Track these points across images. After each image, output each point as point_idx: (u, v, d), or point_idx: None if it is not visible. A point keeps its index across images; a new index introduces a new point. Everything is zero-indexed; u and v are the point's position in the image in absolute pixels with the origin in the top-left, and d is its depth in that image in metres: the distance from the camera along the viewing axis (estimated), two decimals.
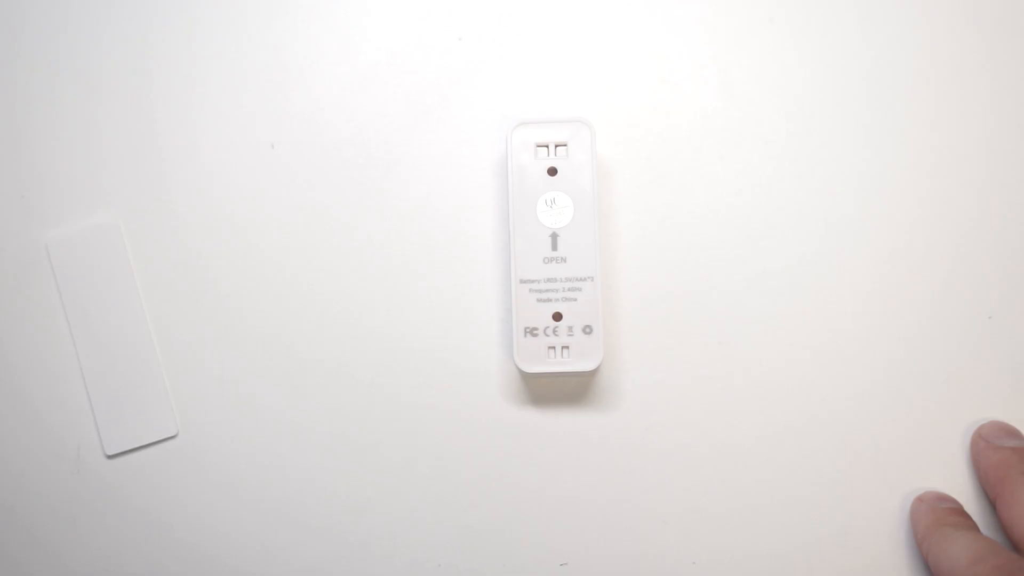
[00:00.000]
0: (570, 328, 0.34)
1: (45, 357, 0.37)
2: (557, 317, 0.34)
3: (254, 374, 0.37)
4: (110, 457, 0.37)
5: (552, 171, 0.34)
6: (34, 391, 0.37)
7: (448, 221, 0.37)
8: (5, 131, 0.38)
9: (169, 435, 0.37)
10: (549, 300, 0.34)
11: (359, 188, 0.37)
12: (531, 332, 0.34)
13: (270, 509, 0.37)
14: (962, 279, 0.36)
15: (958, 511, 0.34)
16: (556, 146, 0.35)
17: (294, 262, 0.37)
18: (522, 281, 0.34)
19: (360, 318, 0.37)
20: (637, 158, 0.37)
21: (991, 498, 0.34)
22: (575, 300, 0.34)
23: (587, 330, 0.34)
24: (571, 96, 0.37)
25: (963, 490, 0.35)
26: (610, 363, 0.36)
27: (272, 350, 0.37)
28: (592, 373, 0.36)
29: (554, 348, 0.34)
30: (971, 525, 0.34)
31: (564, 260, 0.34)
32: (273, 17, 0.38)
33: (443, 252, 0.37)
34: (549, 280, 0.34)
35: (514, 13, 0.37)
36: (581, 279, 0.34)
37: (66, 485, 0.37)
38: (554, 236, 0.34)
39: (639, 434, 0.36)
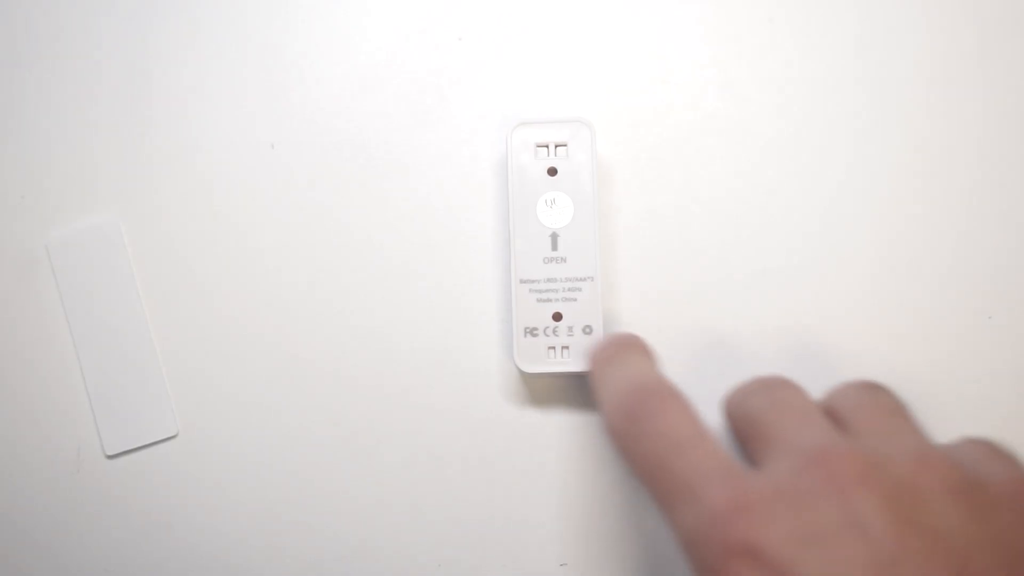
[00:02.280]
0: (570, 328, 0.34)
1: (45, 357, 0.37)
2: (557, 317, 0.34)
3: (254, 374, 0.37)
4: (110, 457, 0.37)
5: (552, 171, 0.34)
6: (34, 391, 0.37)
7: (448, 221, 0.37)
8: (5, 131, 0.38)
9: (169, 435, 0.37)
10: (549, 300, 0.34)
11: (359, 188, 0.37)
12: (531, 332, 0.34)
13: (270, 509, 0.37)
14: (962, 279, 0.36)
15: (622, 342, 0.32)
16: (556, 146, 0.35)
17: (294, 262, 0.37)
18: (522, 281, 0.34)
19: (360, 318, 0.37)
20: (637, 158, 0.37)
21: None
22: (575, 300, 0.34)
23: (587, 330, 0.34)
24: (571, 96, 0.37)
25: None
26: None
27: (272, 350, 0.37)
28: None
29: (554, 348, 0.34)
30: (633, 350, 0.31)
31: (564, 260, 0.34)
32: (273, 17, 0.38)
33: (443, 252, 0.37)
34: (549, 280, 0.34)
35: (514, 13, 0.37)
36: (581, 279, 0.34)
37: (66, 485, 0.37)
38: (554, 236, 0.34)
39: None
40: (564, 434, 0.36)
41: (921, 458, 0.25)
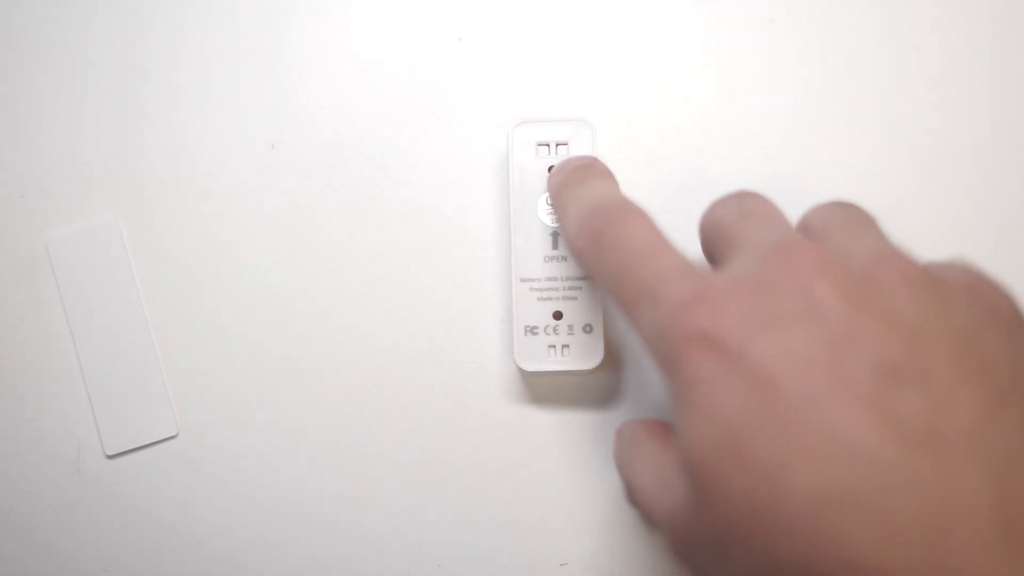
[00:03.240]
0: (570, 327, 0.34)
1: (45, 357, 0.37)
2: (557, 316, 0.34)
3: (254, 374, 0.37)
4: (110, 457, 0.37)
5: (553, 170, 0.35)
6: (34, 391, 0.37)
7: (448, 220, 0.37)
8: (5, 131, 0.38)
9: (169, 435, 0.37)
10: (549, 299, 0.34)
11: (359, 188, 0.37)
12: (531, 331, 0.34)
13: (270, 509, 0.37)
14: None
15: (582, 165, 0.32)
16: (557, 145, 0.35)
17: (294, 262, 0.37)
18: (522, 280, 0.34)
19: (360, 317, 0.37)
20: (637, 158, 0.37)
21: None
22: (575, 299, 0.34)
23: (587, 329, 0.34)
24: (571, 96, 0.37)
25: None
26: (610, 362, 0.36)
27: (272, 350, 0.37)
28: (592, 372, 0.36)
29: (554, 347, 0.34)
30: (593, 175, 0.31)
31: (565, 259, 0.34)
32: (273, 16, 0.38)
33: (443, 251, 0.37)
34: (550, 279, 0.34)
35: (514, 13, 0.38)
36: (581, 278, 0.34)
37: (66, 485, 0.37)
38: (555, 235, 0.34)
39: None
40: (564, 433, 0.36)
41: (881, 254, 0.25)
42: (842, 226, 0.28)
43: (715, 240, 0.29)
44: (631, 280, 0.26)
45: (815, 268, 0.24)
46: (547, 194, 0.34)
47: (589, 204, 0.29)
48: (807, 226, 0.29)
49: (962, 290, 0.25)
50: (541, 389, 0.36)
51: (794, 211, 0.36)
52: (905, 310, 0.23)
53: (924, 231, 0.36)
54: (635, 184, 0.36)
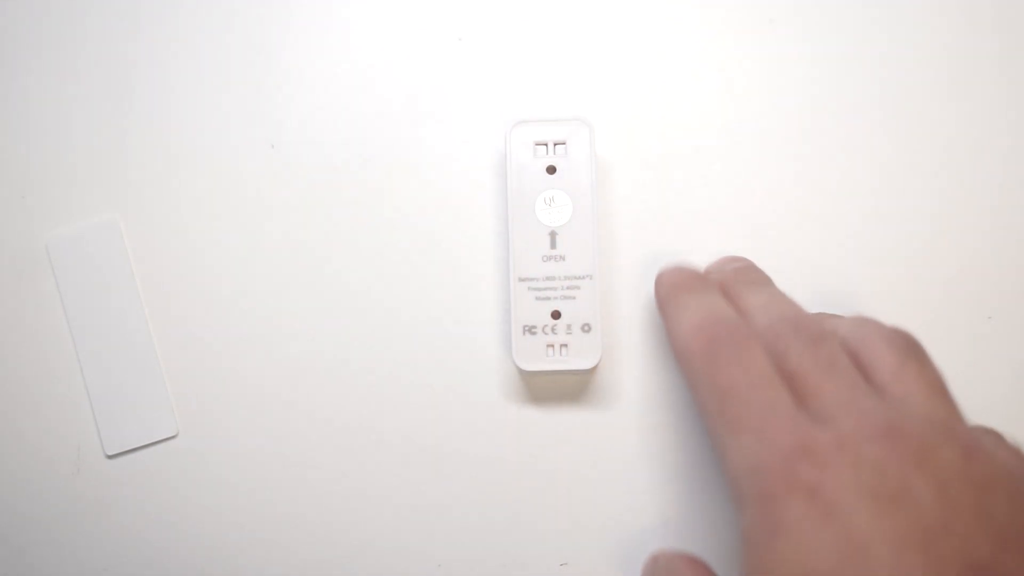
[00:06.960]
0: (568, 326, 0.34)
1: (45, 357, 0.37)
2: (556, 315, 0.34)
3: (254, 374, 0.37)
4: (110, 457, 0.37)
5: (551, 169, 0.34)
6: (34, 391, 0.37)
7: (447, 220, 0.37)
8: (5, 131, 0.38)
9: (169, 435, 0.37)
10: (548, 298, 0.34)
11: (359, 188, 0.37)
12: (530, 330, 0.34)
13: (270, 509, 0.37)
14: (962, 279, 0.36)
15: (698, 276, 0.33)
16: (555, 144, 0.35)
17: (293, 262, 0.37)
18: (521, 279, 0.34)
19: (359, 317, 0.37)
20: (636, 157, 0.37)
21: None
22: (574, 298, 0.34)
23: (585, 328, 0.34)
24: (571, 96, 0.37)
25: None
26: (608, 361, 0.36)
27: (271, 350, 0.37)
28: (590, 371, 0.36)
29: (552, 346, 0.34)
30: (712, 287, 0.32)
31: (563, 258, 0.34)
32: (273, 16, 0.38)
33: (442, 251, 0.37)
34: (548, 278, 0.34)
35: (514, 13, 0.38)
36: (580, 277, 0.34)
37: (66, 485, 0.37)
38: (553, 234, 0.34)
39: (638, 433, 0.36)
40: (563, 432, 0.36)
41: (968, 450, 0.25)
42: (909, 378, 0.28)
43: (784, 374, 0.29)
44: (742, 404, 0.27)
45: (914, 459, 0.25)
46: (544, 195, 0.34)
47: (711, 311, 0.30)
48: (852, 349, 0.29)
49: (1018, 480, 0.26)
50: (540, 389, 0.36)
51: (794, 211, 0.36)
52: (994, 511, 0.24)
53: (924, 230, 0.36)
54: (635, 184, 0.36)
